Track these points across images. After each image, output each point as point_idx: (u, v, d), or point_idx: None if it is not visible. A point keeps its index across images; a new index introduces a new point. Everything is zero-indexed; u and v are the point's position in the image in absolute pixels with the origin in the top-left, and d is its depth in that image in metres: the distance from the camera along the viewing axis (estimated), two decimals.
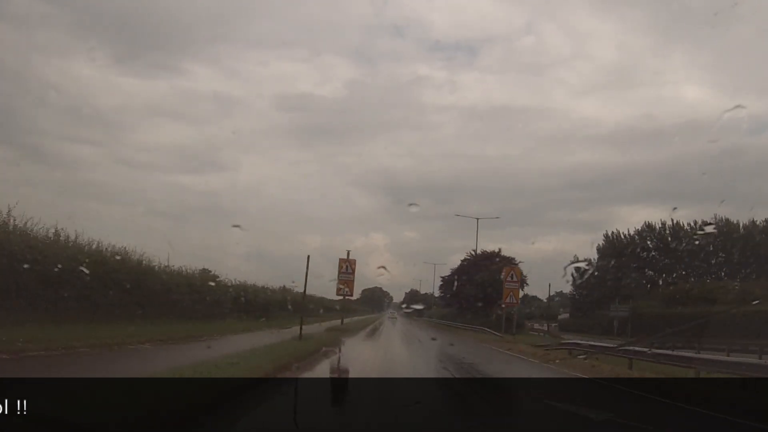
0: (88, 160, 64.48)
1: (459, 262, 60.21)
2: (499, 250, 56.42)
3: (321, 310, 38.88)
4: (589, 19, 76.80)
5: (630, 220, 77.26)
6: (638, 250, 64.58)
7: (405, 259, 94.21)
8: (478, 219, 54.63)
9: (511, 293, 39.29)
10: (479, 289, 50.30)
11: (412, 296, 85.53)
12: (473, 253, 57.40)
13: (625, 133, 69.46)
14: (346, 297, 38.73)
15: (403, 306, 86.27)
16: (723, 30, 69.27)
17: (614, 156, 79.83)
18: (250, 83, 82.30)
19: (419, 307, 70.20)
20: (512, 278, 39.43)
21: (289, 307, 34.04)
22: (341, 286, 38.21)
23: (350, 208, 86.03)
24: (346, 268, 38.68)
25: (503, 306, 39.90)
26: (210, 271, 32.11)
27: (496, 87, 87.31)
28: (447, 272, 62.83)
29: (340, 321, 39.24)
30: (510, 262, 54.97)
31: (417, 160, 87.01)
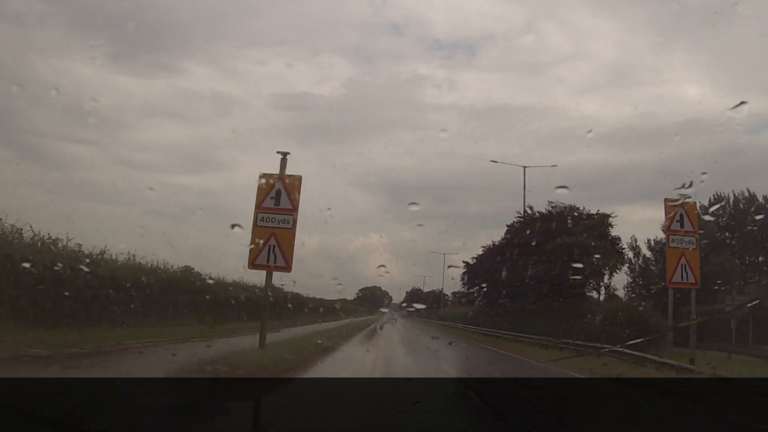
0: (85, 160, 62.13)
1: (462, 263, 42.46)
2: (573, 205, 33.44)
3: (321, 309, 34.75)
4: (588, 18, 76.21)
5: (630, 219, 74.15)
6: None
7: (404, 259, 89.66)
8: (525, 167, 33.98)
9: (684, 259, 16.25)
10: (551, 267, 27.23)
11: (414, 295, 79.29)
12: (527, 213, 34.39)
13: (625, 131, 66.19)
14: (276, 269, 15.51)
15: (404, 305, 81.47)
16: (723, 29, 68.68)
17: (614, 155, 77.19)
18: (249, 82, 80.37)
19: (421, 306, 68.90)
20: (682, 224, 16.42)
21: (289, 306, 30.28)
22: (260, 240, 15.16)
23: (349, 207, 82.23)
24: (276, 195, 15.42)
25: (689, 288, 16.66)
26: (193, 269, 26.26)
27: (495, 86, 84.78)
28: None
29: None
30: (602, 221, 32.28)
31: (416, 159, 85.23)
